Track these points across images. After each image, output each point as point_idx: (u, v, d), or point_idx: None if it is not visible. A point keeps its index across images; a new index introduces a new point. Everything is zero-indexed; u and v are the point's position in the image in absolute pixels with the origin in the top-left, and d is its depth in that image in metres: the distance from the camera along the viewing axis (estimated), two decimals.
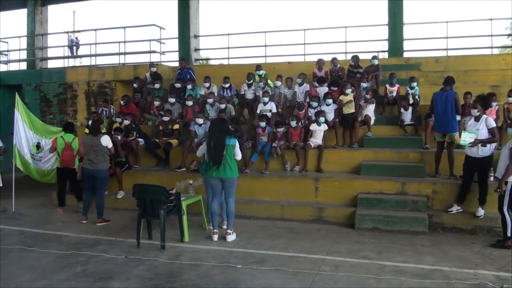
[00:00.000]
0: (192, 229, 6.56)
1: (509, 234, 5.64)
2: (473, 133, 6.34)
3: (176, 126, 9.42)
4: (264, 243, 6.05)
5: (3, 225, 7.24)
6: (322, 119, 8.50)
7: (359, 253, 5.57)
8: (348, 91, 8.98)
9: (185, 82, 10.71)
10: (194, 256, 5.50)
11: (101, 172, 7.20)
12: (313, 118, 8.75)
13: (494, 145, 6.51)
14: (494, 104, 8.09)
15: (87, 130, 9.06)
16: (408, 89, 9.15)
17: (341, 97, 9.06)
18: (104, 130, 9.62)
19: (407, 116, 8.88)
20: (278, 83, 9.95)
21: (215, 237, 6.18)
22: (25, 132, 8.67)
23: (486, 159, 6.40)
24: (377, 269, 4.98)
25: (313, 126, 8.54)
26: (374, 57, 10.44)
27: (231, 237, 6.16)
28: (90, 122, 9.29)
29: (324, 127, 8.54)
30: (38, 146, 8.83)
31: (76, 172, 8.36)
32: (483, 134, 6.33)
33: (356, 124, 8.77)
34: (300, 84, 9.90)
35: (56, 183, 8.70)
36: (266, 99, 9.20)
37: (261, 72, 10.52)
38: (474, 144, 6.32)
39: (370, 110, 9.03)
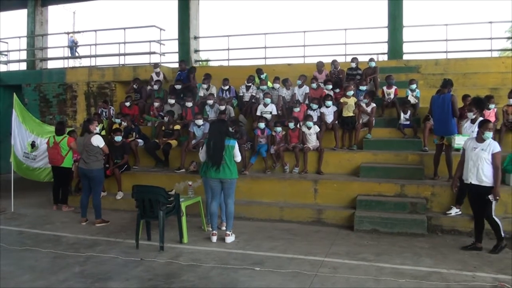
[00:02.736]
0: (191, 230, 6.57)
1: (503, 235, 5.66)
2: (467, 136, 6.33)
3: (177, 127, 9.43)
4: (263, 244, 6.06)
5: (2, 225, 7.24)
6: (309, 123, 8.45)
7: (358, 255, 5.58)
8: (350, 93, 8.98)
9: (184, 84, 10.73)
10: (193, 257, 5.51)
11: (93, 172, 7.18)
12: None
13: None
14: (492, 106, 8.10)
15: None
16: (409, 91, 9.17)
17: (343, 99, 9.06)
18: (103, 132, 9.65)
19: (405, 118, 8.88)
20: (276, 85, 9.94)
21: (214, 239, 6.18)
22: (21, 131, 8.65)
23: None
24: (375, 271, 4.98)
25: (303, 128, 8.55)
26: (371, 59, 10.42)
27: (230, 239, 6.16)
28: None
29: (315, 129, 8.52)
30: (33, 145, 8.80)
31: (68, 172, 8.53)
32: None
33: (357, 127, 8.78)
34: (300, 86, 9.88)
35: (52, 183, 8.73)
36: (268, 101, 9.19)
37: (263, 75, 10.53)
38: None
39: (371, 112, 9.01)
